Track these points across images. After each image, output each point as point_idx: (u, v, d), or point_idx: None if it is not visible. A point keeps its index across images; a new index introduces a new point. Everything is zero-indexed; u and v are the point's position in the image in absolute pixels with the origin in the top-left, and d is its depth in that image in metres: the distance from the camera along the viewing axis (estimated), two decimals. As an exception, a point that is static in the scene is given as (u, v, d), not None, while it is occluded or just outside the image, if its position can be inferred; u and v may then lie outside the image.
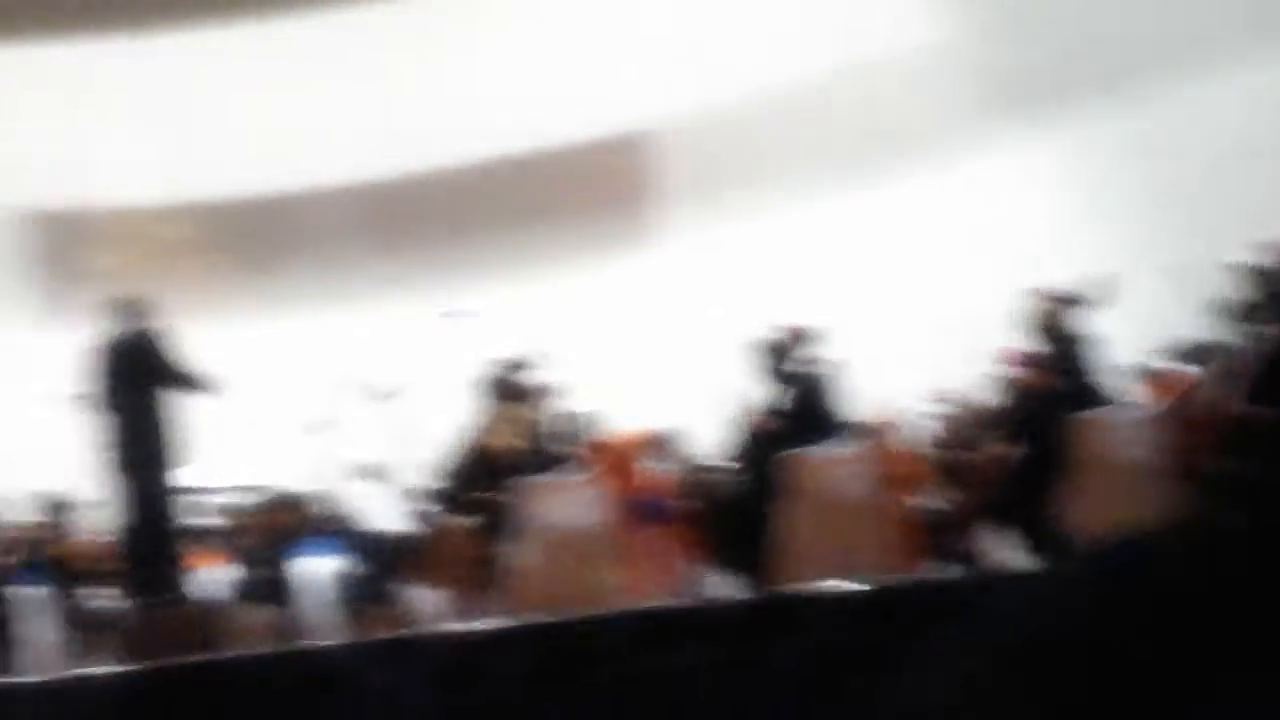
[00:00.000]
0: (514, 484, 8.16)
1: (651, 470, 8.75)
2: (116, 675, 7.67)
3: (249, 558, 10.26)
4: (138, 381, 8.35)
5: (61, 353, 11.83)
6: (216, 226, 14.48)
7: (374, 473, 10.08)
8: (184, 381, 8.43)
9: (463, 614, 8.13)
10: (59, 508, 10.37)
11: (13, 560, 9.93)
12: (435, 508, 8.72)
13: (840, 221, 13.36)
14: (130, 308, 8.62)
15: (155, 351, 8.39)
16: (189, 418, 8.45)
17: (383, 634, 8.66)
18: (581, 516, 8.09)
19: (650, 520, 8.48)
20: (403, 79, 14.57)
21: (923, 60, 13.52)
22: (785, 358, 8.32)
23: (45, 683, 8.63)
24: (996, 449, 8.41)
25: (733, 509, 8.28)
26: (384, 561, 10.00)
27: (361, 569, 10.16)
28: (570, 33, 14.24)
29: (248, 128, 14.39)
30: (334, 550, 10.16)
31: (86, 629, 10.07)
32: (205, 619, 8.26)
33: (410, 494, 9.40)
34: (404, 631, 8.73)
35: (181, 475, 8.47)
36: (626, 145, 14.28)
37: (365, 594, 10.00)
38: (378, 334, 11.30)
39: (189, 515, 9.06)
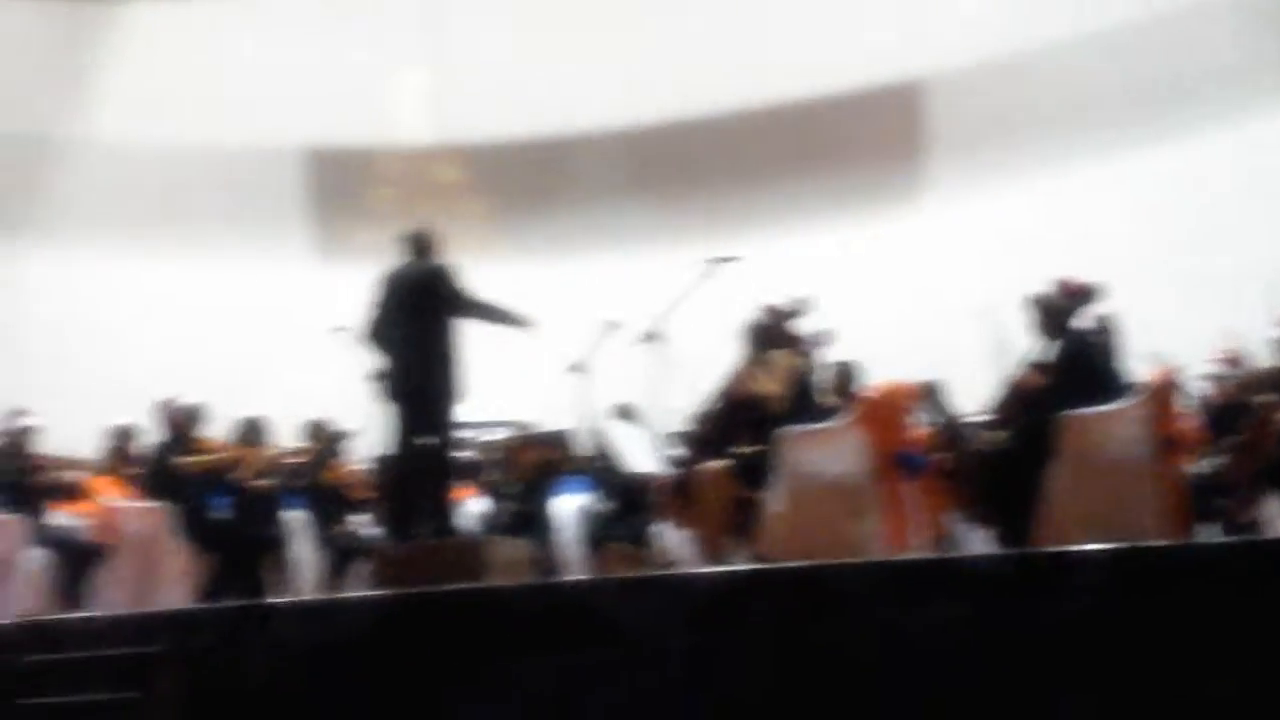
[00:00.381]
0: (775, 431, 8.05)
1: (912, 423, 8.54)
2: (375, 600, 7.84)
3: (506, 492, 10.41)
4: (425, 313, 8.47)
5: (338, 287, 12.24)
6: (488, 169, 14.67)
7: (632, 414, 10.11)
8: (482, 312, 8.52)
9: (713, 558, 8.07)
10: (330, 436, 10.66)
11: (280, 484, 10.21)
12: (692, 451, 8.67)
13: (1122, 176, 12.89)
14: (419, 241, 8.74)
15: (447, 283, 8.50)
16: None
17: (634, 573, 8.68)
18: (841, 466, 7.97)
19: (909, 473, 8.28)
20: (676, 24, 14.53)
21: (1212, 9, 12.95)
22: (1061, 314, 8.02)
23: (307, 603, 8.92)
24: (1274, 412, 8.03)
25: (995, 465, 8.03)
26: (638, 502, 10.03)
27: (615, 508, 10.21)
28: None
29: (522, 71, 14.51)
30: (589, 489, 10.23)
31: (345, 555, 10.37)
32: (463, 550, 8.34)
33: (668, 437, 9.39)
34: (656, 571, 8.74)
35: (458, 409, 8.60)
36: (902, 94, 14.00)
37: (618, 533, 10.05)
38: (643, 279, 11.28)
39: (458, 448, 9.20)
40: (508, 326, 8.66)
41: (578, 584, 8.61)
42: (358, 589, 9.54)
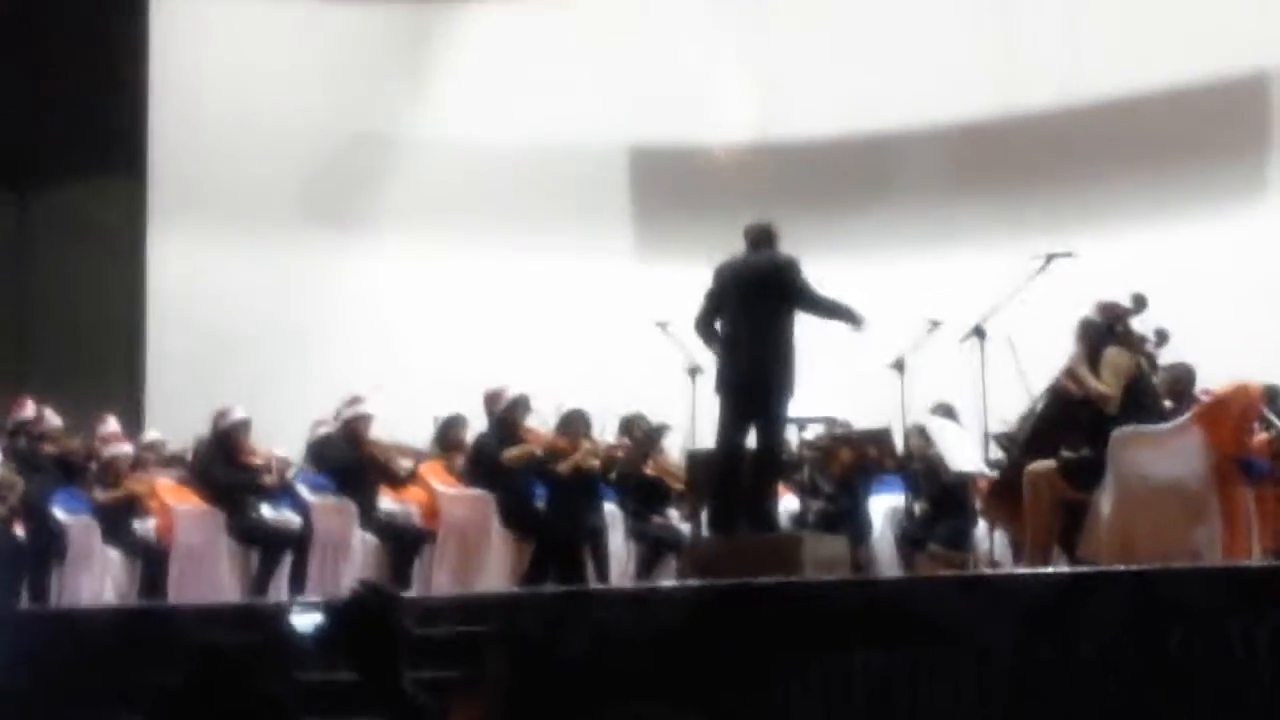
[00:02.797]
0: (1108, 431, 7.78)
1: (1252, 428, 8.17)
2: (694, 590, 7.87)
3: (825, 490, 10.32)
4: (767, 305, 8.46)
5: (660, 283, 12.36)
6: (811, 166, 14.60)
7: (953, 414, 9.92)
8: (823, 307, 8.49)
9: (1037, 561, 7.84)
10: (648, 430, 10.75)
11: (598, 476, 10.33)
12: (1020, 451, 8.44)
13: None
14: (761, 234, 8.74)
15: (792, 276, 8.48)
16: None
17: (952, 573, 8.52)
18: (1178, 469, 7.65)
19: (1249, 479, 7.92)
20: (1008, 18, 14.22)
21: None
22: None
23: (628, 590, 9.01)
24: None
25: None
26: (956, 504, 9.85)
27: (932, 509, 10.04)
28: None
29: (846, 68, 14.42)
30: (905, 489, 10.08)
31: (657, 548, 10.46)
32: (779, 546, 8.30)
33: (992, 437, 9.18)
34: (981, 571, 8.56)
35: (789, 404, 8.57)
36: (1249, 87, 13.39)
37: (935, 535, 9.89)
38: (969, 278, 11.07)
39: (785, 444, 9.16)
40: (844, 322, 8.58)
41: (900, 581, 8.50)
42: (668, 583, 9.60)
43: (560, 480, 10.07)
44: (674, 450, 10.85)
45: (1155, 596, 6.49)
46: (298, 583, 9.92)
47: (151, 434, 11.88)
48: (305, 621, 3.11)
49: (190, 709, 2.80)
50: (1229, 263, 12.78)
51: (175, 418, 12.50)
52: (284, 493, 10.52)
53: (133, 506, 10.50)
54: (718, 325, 8.65)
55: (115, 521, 10.37)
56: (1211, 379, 8.62)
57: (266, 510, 10.38)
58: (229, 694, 2.79)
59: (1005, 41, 14.22)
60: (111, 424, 11.12)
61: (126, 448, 10.84)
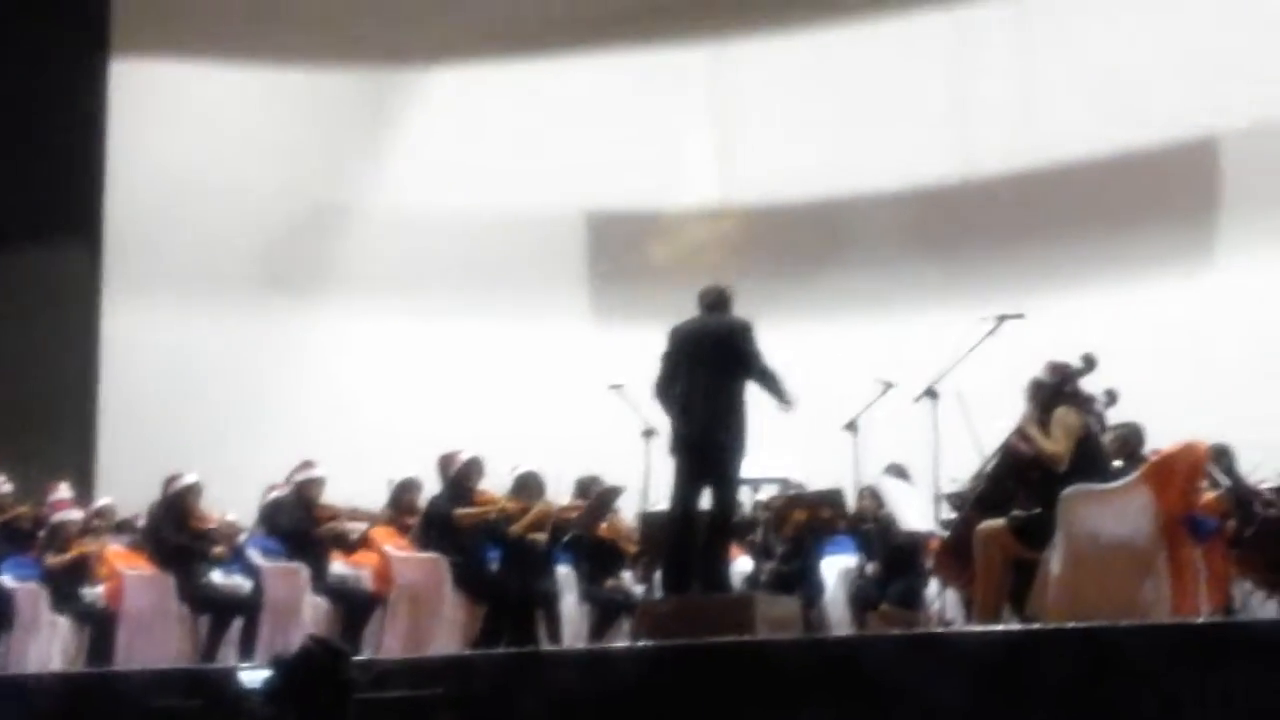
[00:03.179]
0: (1057, 490, 7.81)
1: (1199, 486, 8.21)
2: (645, 650, 7.84)
3: (777, 550, 10.33)
4: (721, 368, 8.47)
5: (615, 347, 12.39)
6: (768, 230, 14.70)
7: (905, 474, 9.96)
8: (768, 379, 8.51)
9: (987, 619, 7.85)
10: (602, 493, 10.72)
11: (552, 539, 10.30)
12: (970, 510, 8.47)
13: None
14: (717, 297, 8.77)
15: (747, 340, 8.51)
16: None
17: (903, 631, 8.51)
18: (1126, 527, 7.67)
19: (1197, 537, 7.96)
20: (960, 87, 14.39)
21: None
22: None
23: (579, 652, 8.97)
24: None
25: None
26: (908, 563, 9.87)
27: (884, 569, 10.06)
28: (1142, 34, 13.65)
29: (804, 133, 14.54)
30: (857, 549, 10.10)
31: (609, 610, 10.43)
32: (731, 607, 8.28)
33: (944, 497, 9.21)
34: (931, 629, 8.55)
35: (742, 466, 8.58)
36: (1197, 152, 13.57)
37: (887, 595, 9.90)
38: (922, 340, 11.14)
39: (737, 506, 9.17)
40: (775, 399, 8.58)
41: (850, 640, 8.49)
42: (620, 644, 9.57)
43: (513, 543, 10.03)
44: (629, 513, 10.84)
45: (1104, 654, 6.51)
46: (247, 648, 9.83)
47: (103, 500, 11.82)
48: (254, 677, 3.10)
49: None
50: (1178, 324, 12.91)
51: (127, 484, 12.43)
52: (235, 558, 10.46)
53: (81, 572, 10.41)
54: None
55: (64, 587, 10.29)
56: (1160, 439, 8.65)
57: (217, 575, 10.32)
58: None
59: (960, 108, 14.40)
60: (63, 490, 11.08)
61: (76, 514, 10.78)
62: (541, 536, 10.10)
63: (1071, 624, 7.00)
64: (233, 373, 14.52)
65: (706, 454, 8.48)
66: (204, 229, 14.73)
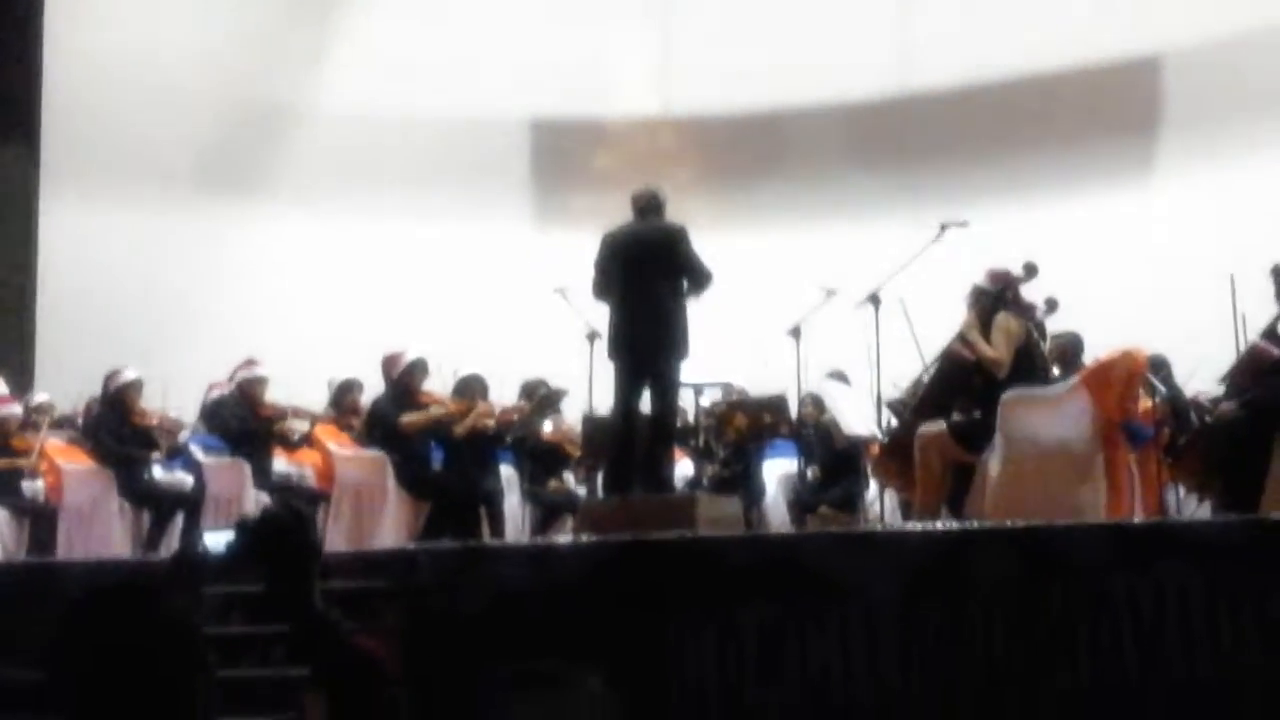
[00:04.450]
0: (998, 395, 7.92)
1: (1137, 394, 8.35)
2: (589, 546, 7.91)
3: (719, 454, 10.43)
4: (658, 272, 8.49)
5: (557, 251, 12.39)
6: (710, 140, 14.70)
7: (846, 380, 10.06)
8: (703, 278, 8.53)
9: (925, 520, 7.99)
10: (544, 395, 10.78)
11: (494, 439, 10.36)
12: (911, 414, 8.58)
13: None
14: (649, 201, 8.77)
15: (683, 244, 8.52)
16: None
17: (842, 529, 8.63)
18: (1064, 431, 7.82)
19: (1133, 443, 8.11)
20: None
21: None
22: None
23: (523, 546, 9.04)
24: None
25: (1226, 435, 7.81)
26: (848, 468, 9.99)
27: (824, 474, 10.18)
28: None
29: (746, 44, 14.52)
30: (802, 454, 10.20)
31: (551, 511, 10.53)
32: (673, 506, 8.36)
33: (885, 402, 9.32)
34: (870, 528, 8.67)
35: (682, 368, 8.63)
36: (1139, 69, 13.66)
37: (826, 498, 10.03)
38: (865, 249, 11.22)
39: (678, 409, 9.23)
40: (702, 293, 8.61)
41: (789, 537, 8.60)
42: (564, 539, 9.65)
43: (457, 443, 10.08)
44: (572, 415, 10.89)
45: (1040, 553, 6.61)
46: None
47: (40, 396, 11.73)
48: (217, 540, 3.13)
49: (82, 634, 2.79)
50: (1117, 236, 13.06)
51: (65, 381, 12.33)
52: (177, 453, 10.44)
53: (21, 467, 10.35)
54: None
55: (3, 482, 10.22)
56: (1098, 349, 8.78)
57: (158, 471, 10.30)
58: (124, 616, 2.78)
59: (903, 19, 14.41)
60: (1, 386, 10.97)
61: (16, 408, 10.70)
62: (486, 430, 10.14)
63: (1009, 523, 7.13)
64: (172, 271, 14.39)
65: (645, 357, 8.52)
66: (142, 128, 14.53)
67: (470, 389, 10.36)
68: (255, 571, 3.18)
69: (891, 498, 9.27)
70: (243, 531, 3.19)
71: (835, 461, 10.11)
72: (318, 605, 3.12)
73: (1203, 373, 9.20)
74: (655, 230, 8.65)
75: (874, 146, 14.36)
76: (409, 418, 10.03)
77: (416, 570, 7.72)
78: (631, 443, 8.60)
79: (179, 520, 9.98)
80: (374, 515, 9.80)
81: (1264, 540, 6.42)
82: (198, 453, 10.29)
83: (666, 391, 8.60)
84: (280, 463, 10.48)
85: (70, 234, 14.37)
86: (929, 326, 8.97)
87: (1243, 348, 8.21)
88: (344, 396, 10.89)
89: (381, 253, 14.48)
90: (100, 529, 9.88)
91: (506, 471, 10.43)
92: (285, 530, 3.13)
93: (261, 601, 3.19)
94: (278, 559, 3.10)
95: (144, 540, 9.91)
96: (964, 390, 8.28)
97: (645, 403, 8.66)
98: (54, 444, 10.55)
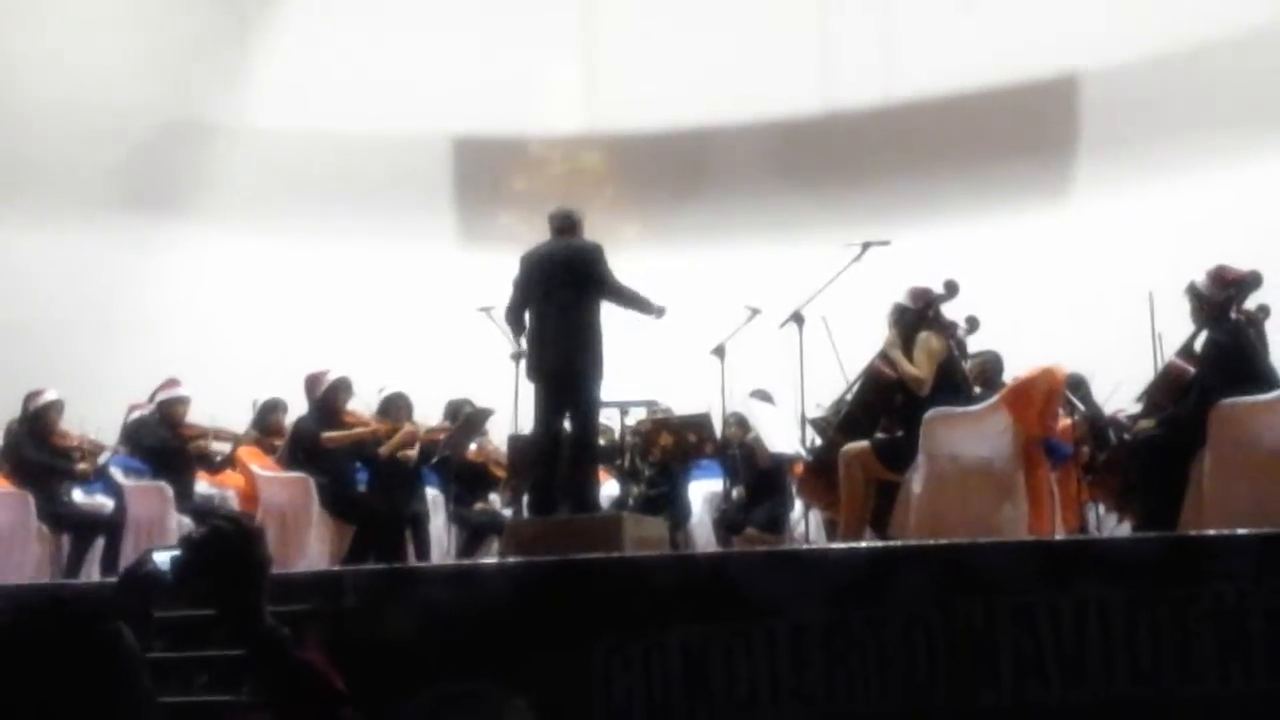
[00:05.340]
0: (923, 413, 7.99)
1: (1057, 411, 8.45)
2: (515, 567, 7.91)
3: (645, 474, 10.43)
4: (572, 291, 8.50)
5: (482, 271, 12.37)
6: (635, 159, 14.74)
7: (770, 400, 10.10)
8: (624, 297, 8.56)
9: (851, 538, 8.04)
10: (469, 415, 10.74)
11: (419, 460, 10.32)
12: (835, 433, 8.64)
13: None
14: (565, 220, 8.79)
15: (597, 264, 8.54)
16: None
17: (767, 549, 8.67)
18: (986, 449, 7.89)
19: (1054, 461, 8.20)
20: (825, 19, 14.52)
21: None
22: (1216, 302, 7.86)
23: (449, 568, 9.01)
24: None
25: (1145, 453, 7.91)
26: (773, 487, 10.03)
27: (748, 494, 10.22)
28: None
29: (671, 62, 14.58)
30: (727, 473, 10.23)
31: (478, 532, 10.50)
32: (599, 526, 8.37)
33: (809, 420, 9.37)
34: (794, 547, 8.72)
35: (599, 388, 8.64)
36: (1057, 89, 13.84)
37: (751, 519, 10.06)
38: (788, 267, 11.28)
39: (598, 428, 9.24)
40: (642, 312, 8.68)
41: (716, 556, 8.63)
42: (490, 560, 9.64)
43: (381, 464, 10.03)
44: (498, 436, 10.87)
45: (962, 570, 6.68)
46: (110, 567, 9.72)
47: (-44, 417, 11.58)
48: (163, 557, 3.06)
49: (9, 660, 2.75)
50: (1037, 254, 13.23)
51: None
52: (97, 476, 10.32)
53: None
54: (527, 314, 8.71)
55: (-81, 505, 10.07)
56: (1018, 367, 8.87)
57: (78, 494, 10.19)
58: (54, 639, 2.74)
59: (825, 40, 14.54)
60: (-85, 405, 10.80)
61: (-69, 431, 10.54)
62: (410, 455, 10.11)
63: (932, 541, 7.19)
64: (89, 293, 14.24)
65: (564, 378, 8.53)
66: (62, 144, 14.37)
67: (395, 408, 10.31)
68: (200, 590, 3.15)
69: (816, 517, 9.31)
70: (189, 548, 3.15)
71: (760, 481, 10.15)
72: (267, 622, 3.09)
73: (1121, 391, 9.32)
74: (570, 249, 8.68)
75: (797, 166, 14.46)
76: (331, 435, 9.96)
77: (341, 593, 7.69)
78: (555, 463, 8.60)
79: (99, 545, 9.86)
80: (298, 537, 9.72)
81: (1182, 558, 6.51)
82: (119, 475, 10.18)
83: (586, 412, 8.61)
84: (203, 485, 10.40)
85: (-12, 252, 14.21)
86: (851, 345, 9.04)
87: (1160, 366, 8.31)
88: (268, 417, 10.83)
89: (305, 271, 14.41)
90: (20, 553, 9.74)
91: (431, 493, 10.39)
92: (232, 545, 3.10)
93: (210, 620, 3.16)
94: (225, 575, 3.06)
95: (64, 565, 9.79)
96: (887, 408, 8.34)
97: (565, 422, 8.67)
98: (-31, 467, 10.41)
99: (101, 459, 10.35)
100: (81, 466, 10.15)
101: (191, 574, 3.01)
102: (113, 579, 8.88)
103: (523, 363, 9.34)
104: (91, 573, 9.76)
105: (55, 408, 10.13)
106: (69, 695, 2.62)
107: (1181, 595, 6.24)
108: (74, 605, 2.75)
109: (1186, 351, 8.01)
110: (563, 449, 8.61)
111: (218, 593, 3.02)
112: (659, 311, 8.71)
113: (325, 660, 3.01)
